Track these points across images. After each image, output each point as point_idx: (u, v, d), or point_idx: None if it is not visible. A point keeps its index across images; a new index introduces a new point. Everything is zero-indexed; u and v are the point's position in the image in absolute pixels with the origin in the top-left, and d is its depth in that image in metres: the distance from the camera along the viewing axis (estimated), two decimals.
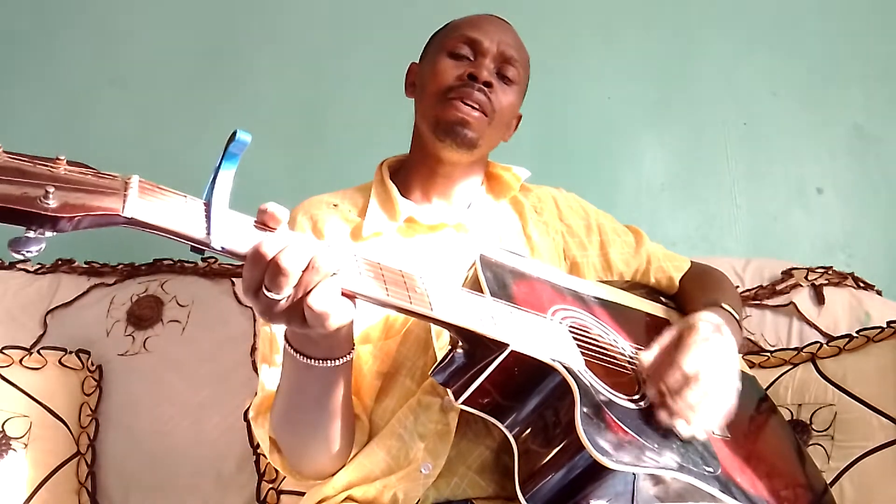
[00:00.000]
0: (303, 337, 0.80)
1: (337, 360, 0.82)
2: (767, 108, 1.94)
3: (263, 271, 0.67)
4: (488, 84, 1.12)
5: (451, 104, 1.10)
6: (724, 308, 1.08)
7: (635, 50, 1.97)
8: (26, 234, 0.55)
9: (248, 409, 1.15)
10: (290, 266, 0.66)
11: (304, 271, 0.68)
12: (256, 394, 1.02)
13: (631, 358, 1.02)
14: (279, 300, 0.68)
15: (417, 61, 1.24)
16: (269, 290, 0.67)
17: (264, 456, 1.07)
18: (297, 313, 0.70)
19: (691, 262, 1.30)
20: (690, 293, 1.24)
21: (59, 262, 1.65)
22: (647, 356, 0.96)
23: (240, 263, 0.77)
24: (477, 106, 1.11)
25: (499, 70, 1.15)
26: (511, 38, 1.18)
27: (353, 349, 0.84)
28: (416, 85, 1.21)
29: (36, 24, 2.01)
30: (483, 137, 1.13)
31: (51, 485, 1.34)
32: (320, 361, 0.81)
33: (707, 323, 0.99)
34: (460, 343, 0.86)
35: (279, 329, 0.97)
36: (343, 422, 0.93)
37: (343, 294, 0.72)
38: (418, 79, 1.20)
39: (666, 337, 0.99)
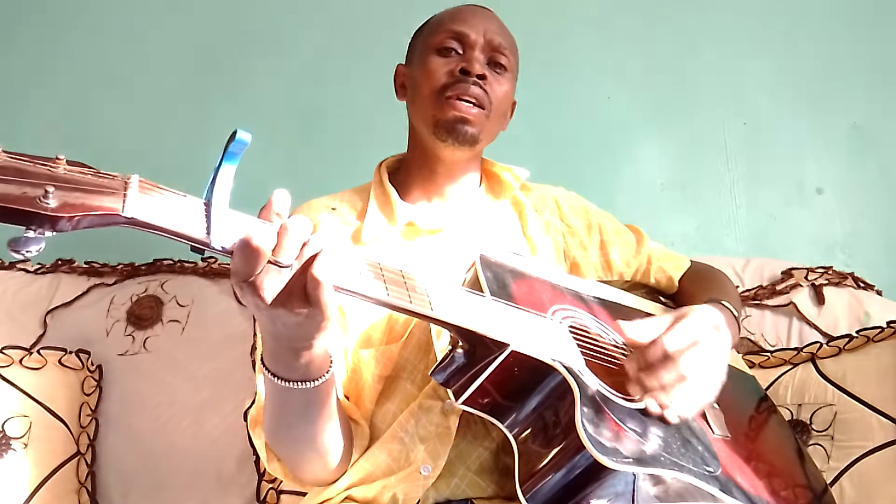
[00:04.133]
0: (280, 360, 0.78)
1: (315, 381, 0.80)
2: (767, 108, 1.94)
3: (269, 242, 0.65)
4: (482, 76, 1.11)
5: (448, 103, 1.09)
6: (724, 305, 1.08)
7: (635, 50, 1.97)
8: (26, 234, 0.55)
9: (248, 408, 1.15)
10: (298, 228, 0.66)
11: (304, 244, 0.67)
12: (254, 400, 1.02)
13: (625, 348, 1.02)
14: (285, 267, 0.66)
15: (403, 63, 1.23)
16: (280, 258, 0.65)
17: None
18: (297, 288, 0.68)
19: (691, 261, 1.30)
20: (690, 292, 1.24)
21: (59, 262, 1.65)
22: (630, 327, 0.93)
23: None
24: (474, 101, 1.10)
25: (489, 60, 1.14)
26: (496, 26, 1.17)
27: (329, 369, 0.82)
28: (406, 87, 1.20)
29: (36, 23, 2.01)
30: (483, 132, 1.13)
31: (51, 485, 1.34)
32: (298, 383, 0.80)
33: (702, 314, 0.97)
34: (460, 343, 0.86)
35: None
36: (335, 433, 0.92)
37: (344, 293, 0.72)
38: (409, 81, 1.19)
39: (658, 319, 0.98)
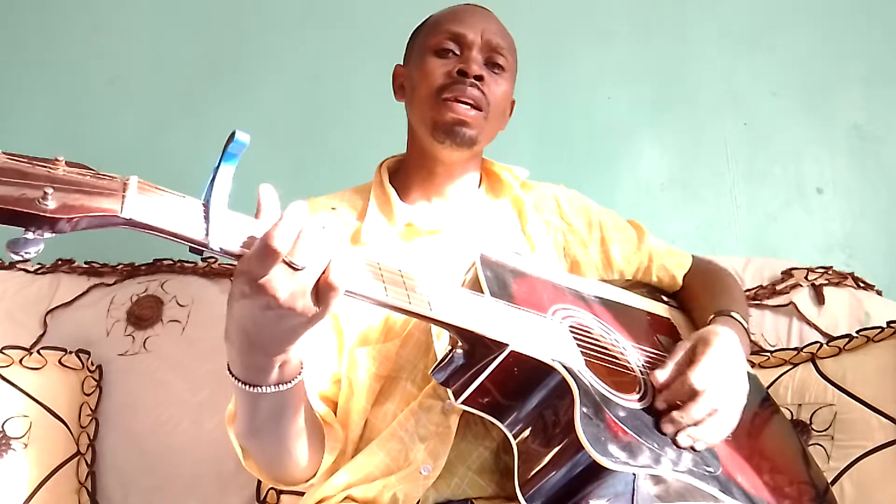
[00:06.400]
0: (253, 367, 0.76)
1: (288, 384, 0.79)
2: (767, 108, 1.94)
3: (287, 244, 0.64)
4: (479, 77, 1.10)
5: (445, 105, 1.09)
6: (733, 317, 1.08)
7: (635, 50, 1.97)
8: (25, 236, 0.55)
9: None
10: (314, 230, 0.66)
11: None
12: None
13: (641, 364, 1.02)
14: (300, 269, 0.66)
15: (402, 63, 1.23)
16: (295, 259, 0.65)
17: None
18: (309, 290, 0.67)
19: (693, 257, 1.29)
20: (695, 293, 1.24)
21: (59, 262, 1.65)
22: (662, 373, 0.97)
23: None
24: (472, 102, 1.10)
25: (487, 60, 1.14)
26: (495, 26, 1.16)
27: (301, 371, 0.81)
28: (405, 88, 1.20)
29: (35, 23, 2.01)
30: (482, 133, 1.13)
31: (51, 485, 1.34)
32: (271, 387, 0.77)
33: (721, 340, 0.99)
34: (460, 343, 0.86)
35: None
36: (301, 437, 0.90)
37: (345, 295, 0.72)
38: (407, 81, 1.19)
39: (679, 352, 0.99)
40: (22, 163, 0.56)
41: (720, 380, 0.93)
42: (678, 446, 0.89)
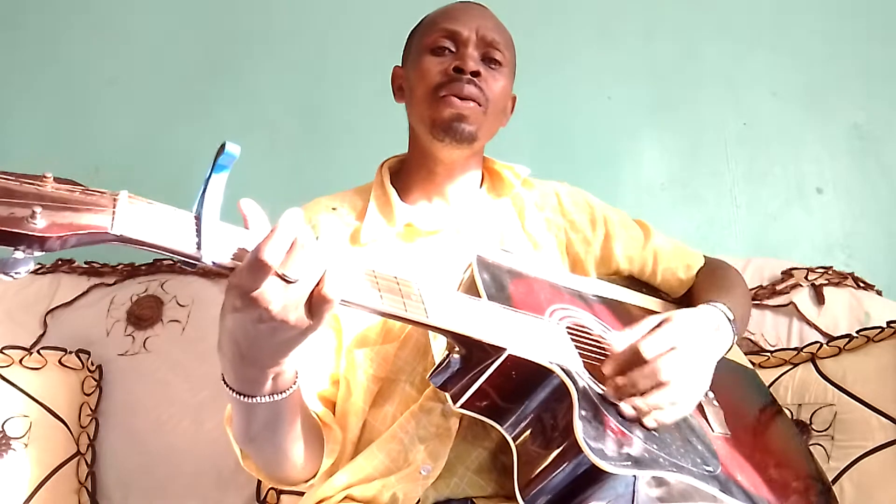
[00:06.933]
0: (246, 379, 0.75)
1: (282, 394, 0.78)
2: (767, 108, 1.94)
3: (279, 257, 0.63)
4: (476, 73, 1.10)
5: (443, 102, 1.09)
6: (716, 306, 1.04)
7: (635, 50, 1.97)
8: (14, 256, 0.54)
9: None
10: (309, 243, 0.65)
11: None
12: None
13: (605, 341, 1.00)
14: (293, 282, 0.65)
15: (400, 64, 1.23)
16: (287, 272, 0.64)
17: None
18: (302, 302, 0.67)
19: (705, 257, 1.27)
20: (698, 291, 1.22)
21: (59, 262, 1.65)
22: (620, 343, 0.92)
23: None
24: (470, 98, 1.09)
25: (483, 56, 1.13)
26: (490, 22, 1.16)
27: (296, 381, 0.80)
28: (403, 89, 1.20)
29: (35, 23, 2.01)
30: (481, 128, 1.12)
31: (51, 485, 1.35)
32: (265, 398, 0.76)
33: (686, 318, 0.95)
34: (457, 348, 0.86)
35: None
36: (298, 442, 0.90)
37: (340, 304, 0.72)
38: (405, 82, 1.19)
39: (640, 324, 0.95)
40: (9, 181, 0.55)
41: (674, 355, 0.88)
42: (623, 416, 0.85)
